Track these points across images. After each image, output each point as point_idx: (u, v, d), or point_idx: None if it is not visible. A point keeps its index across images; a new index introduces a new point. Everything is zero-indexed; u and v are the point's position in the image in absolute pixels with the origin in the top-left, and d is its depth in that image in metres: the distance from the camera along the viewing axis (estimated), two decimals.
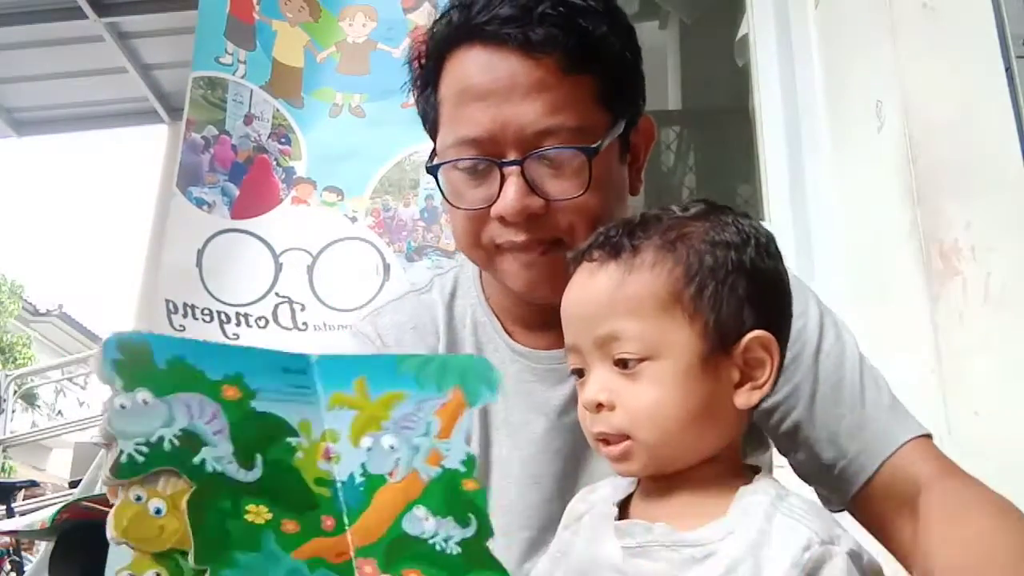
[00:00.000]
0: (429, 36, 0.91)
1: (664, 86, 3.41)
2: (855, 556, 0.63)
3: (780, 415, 0.88)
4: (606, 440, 0.68)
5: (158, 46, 5.28)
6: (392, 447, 0.62)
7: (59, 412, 13.94)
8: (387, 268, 2.07)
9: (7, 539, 4.27)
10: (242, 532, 0.58)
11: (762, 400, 0.69)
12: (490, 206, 0.85)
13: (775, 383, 0.70)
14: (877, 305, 1.57)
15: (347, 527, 0.60)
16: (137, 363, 0.59)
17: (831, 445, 0.87)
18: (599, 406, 0.67)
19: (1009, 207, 1.31)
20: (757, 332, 0.68)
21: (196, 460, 0.58)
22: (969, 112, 1.40)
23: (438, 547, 0.60)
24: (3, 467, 9.95)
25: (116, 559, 0.56)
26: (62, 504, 3.17)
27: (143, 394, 0.58)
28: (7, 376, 6.71)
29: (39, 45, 5.31)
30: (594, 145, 0.85)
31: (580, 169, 0.85)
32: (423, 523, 0.61)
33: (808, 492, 0.85)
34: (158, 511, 0.57)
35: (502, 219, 0.85)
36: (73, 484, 4.57)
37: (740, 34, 2.47)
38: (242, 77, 2.14)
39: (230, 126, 2.11)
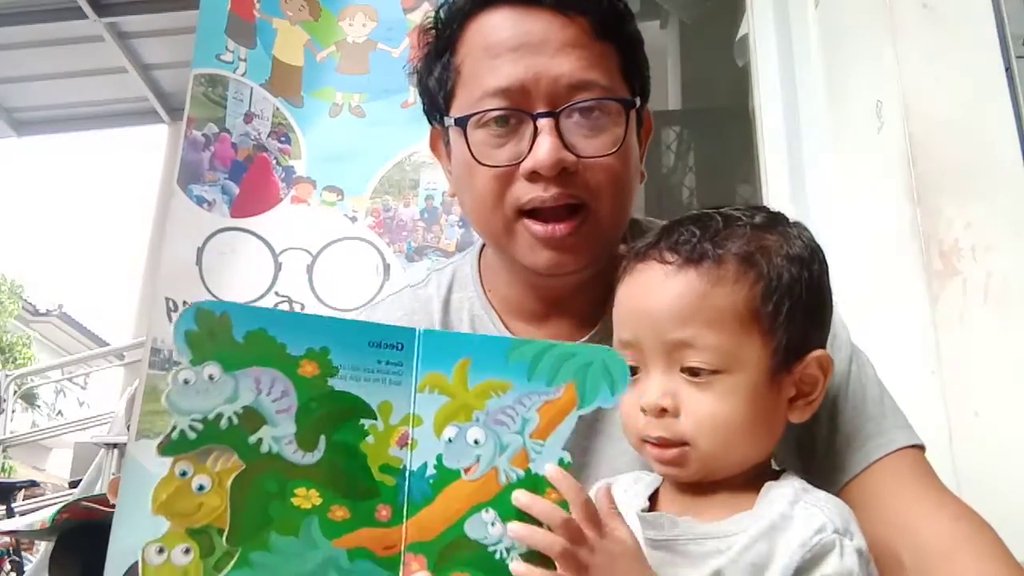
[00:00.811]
0: (446, 4, 0.89)
1: (664, 86, 3.41)
2: (862, 556, 0.63)
3: None
4: (660, 444, 0.69)
5: (158, 46, 5.29)
6: (477, 441, 0.58)
7: (59, 412, 13.94)
8: (387, 268, 2.07)
9: (7, 539, 4.27)
10: (284, 515, 0.56)
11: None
12: (518, 164, 0.83)
13: None
14: (877, 305, 1.57)
15: (404, 519, 0.57)
16: (212, 336, 0.57)
17: (803, 453, 0.85)
18: (663, 411, 0.68)
19: (1009, 207, 1.31)
20: (818, 353, 0.71)
21: (252, 439, 0.57)
22: (969, 112, 1.41)
23: (498, 555, 0.56)
24: (3, 467, 9.94)
25: (150, 530, 0.55)
26: (62, 504, 3.20)
27: (211, 368, 0.56)
28: (7, 376, 6.71)
29: (39, 45, 5.32)
30: (630, 98, 0.85)
31: (614, 126, 0.84)
32: (488, 528, 0.57)
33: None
34: (201, 488, 0.56)
35: (533, 175, 0.82)
36: (73, 484, 4.57)
37: (740, 34, 2.47)
38: (243, 75, 2.14)
39: (230, 124, 2.10)
